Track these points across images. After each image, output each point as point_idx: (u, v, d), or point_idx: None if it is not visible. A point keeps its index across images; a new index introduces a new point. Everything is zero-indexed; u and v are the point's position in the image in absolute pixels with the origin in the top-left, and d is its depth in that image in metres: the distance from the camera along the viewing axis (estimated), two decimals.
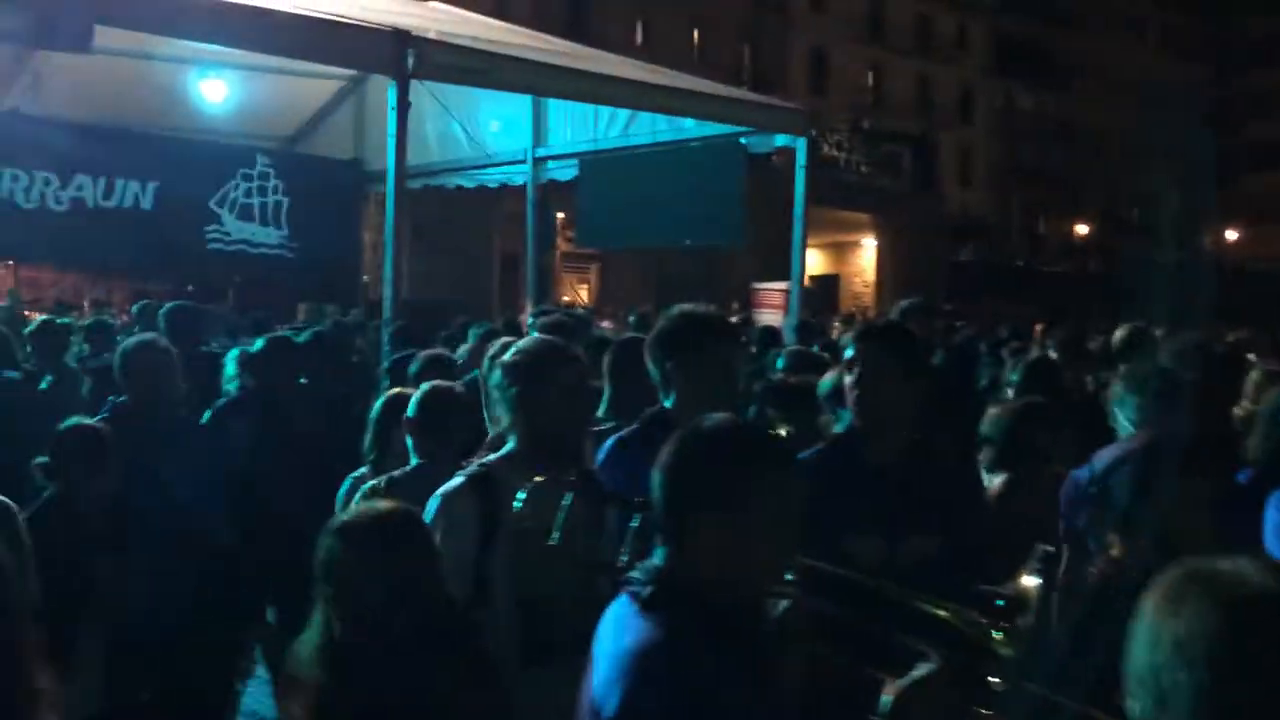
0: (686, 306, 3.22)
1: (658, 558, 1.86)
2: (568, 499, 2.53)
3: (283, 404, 4.64)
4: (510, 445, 2.84)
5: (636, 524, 2.34)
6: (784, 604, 2.01)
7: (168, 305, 5.97)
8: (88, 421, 3.65)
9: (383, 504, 2.46)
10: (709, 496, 1.80)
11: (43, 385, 5.44)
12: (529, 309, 10.79)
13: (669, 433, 3.01)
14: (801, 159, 8.98)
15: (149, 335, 4.52)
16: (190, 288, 11.32)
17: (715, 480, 1.80)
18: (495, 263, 21.22)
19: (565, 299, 19.46)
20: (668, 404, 3.10)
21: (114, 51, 8.81)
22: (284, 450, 4.37)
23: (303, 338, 5.52)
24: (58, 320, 6.33)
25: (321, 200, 11.90)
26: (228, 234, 11.51)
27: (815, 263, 26.48)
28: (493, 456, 2.85)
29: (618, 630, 1.80)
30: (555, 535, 2.48)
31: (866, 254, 31.11)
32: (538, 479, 2.76)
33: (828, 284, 28.56)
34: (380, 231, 12.69)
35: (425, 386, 3.50)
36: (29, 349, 5.91)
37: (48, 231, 10.13)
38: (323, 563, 2.27)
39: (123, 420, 3.88)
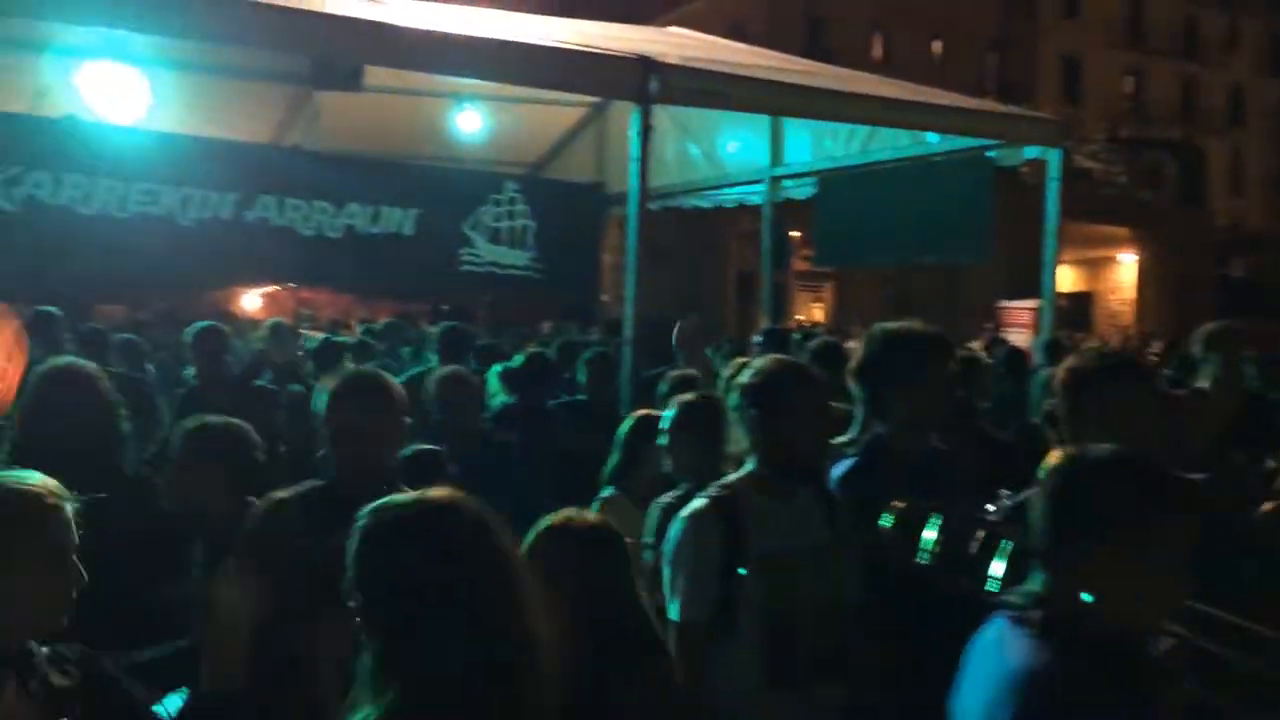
0: (891, 326, 3.12)
1: (1037, 584, 1.88)
2: (935, 521, 2.53)
3: (545, 418, 4.85)
4: (750, 466, 2.83)
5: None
6: (1166, 641, 2.00)
7: (442, 325, 6.28)
8: (426, 447, 3.91)
9: (581, 513, 2.53)
10: (1106, 529, 1.80)
11: None
12: (763, 328, 10.79)
13: (890, 460, 2.94)
14: (1055, 171, 8.54)
15: (456, 367, 4.80)
16: (445, 307, 12.00)
17: (1114, 513, 1.80)
18: (730, 282, 21.33)
19: (800, 318, 19.30)
20: (881, 429, 3.03)
21: (381, 89, 9.53)
22: (547, 463, 4.54)
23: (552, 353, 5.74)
24: (333, 338, 6.84)
25: (565, 223, 12.35)
26: (479, 256, 12.12)
27: (1067, 279, 25.09)
28: (734, 477, 2.85)
29: (1001, 652, 1.82)
30: (924, 555, 2.50)
31: (1124, 270, 29.18)
32: (779, 500, 2.75)
33: (1081, 301, 26.99)
34: (619, 252, 13.08)
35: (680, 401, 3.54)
36: (310, 365, 6.41)
37: (323, 257, 10.98)
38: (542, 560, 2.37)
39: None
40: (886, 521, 2.61)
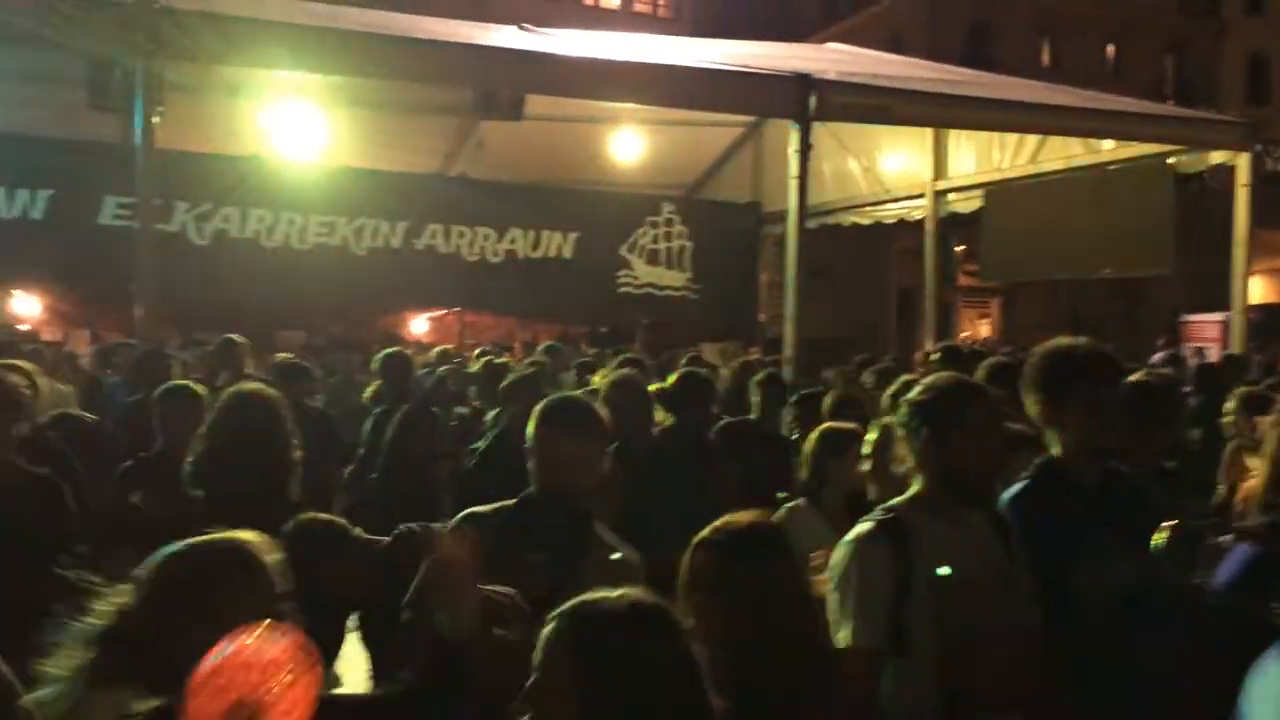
0: (1059, 344, 2.96)
1: None
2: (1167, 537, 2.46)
3: (702, 436, 4.85)
4: (918, 486, 2.74)
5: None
6: None
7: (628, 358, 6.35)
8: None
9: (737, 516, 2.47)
10: None
11: (488, 418, 6.04)
12: (927, 345, 10.50)
13: (1064, 483, 2.79)
14: (1244, 176, 8.05)
15: (627, 371, 4.85)
16: (603, 329, 12.16)
17: None
18: (890, 299, 20.89)
19: (964, 334, 18.71)
20: (1056, 452, 2.88)
21: (541, 117, 9.76)
22: (708, 482, 4.52)
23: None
24: (496, 360, 7.01)
25: (722, 243, 12.37)
26: (636, 278, 12.25)
27: (1257, 291, 23.49)
28: (900, 499, 2.76)
29: None
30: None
31: None
32: (949, 522, 2.65)
33: (1273, 314, 25.20)
34: (775, 271, 13.00)
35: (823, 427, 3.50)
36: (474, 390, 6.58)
37: (487, 281, 11.32)
38: (700, 571, 2.33)
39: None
40: (1160, 540, 2.56)
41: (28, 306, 10.30)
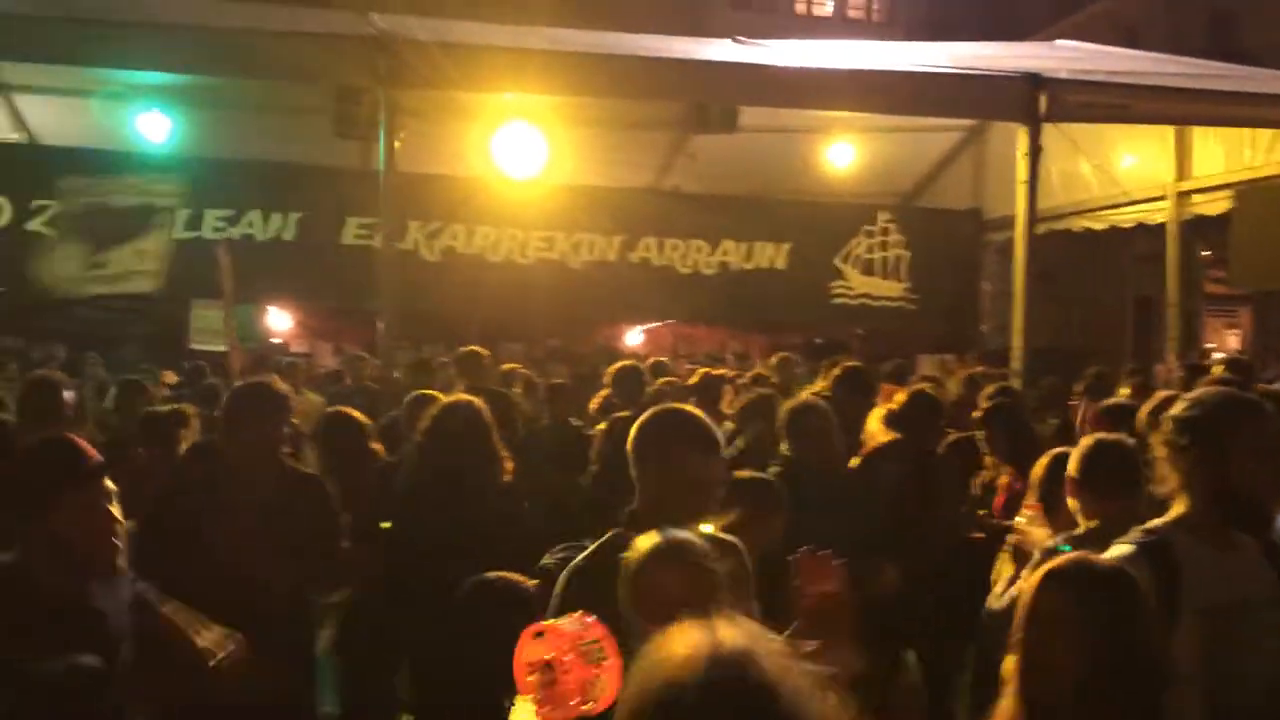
0: None
1: None
2: None
3: (927, 456, 4.70)
4: (1182, 507, 2.54)
5: None
6: None
7: (847, 366, 6.19)
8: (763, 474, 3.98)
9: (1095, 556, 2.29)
10: None
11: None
12: (1170, 358, 9.81)
13: None
14: None
15: (812, 400, 4.79)
16: (818, 340, 12.01)
17: None
18: (1127, 308, 19.66)
19: (1210, 346, 17.38)
20: None
21: (754, 128, 9.76)
22: (927, 501, 4.39)
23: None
24: (713, 373, 7.03)
25: (941, 251, 11.98)
26: (851, 289, 12.03)
27: None
28: (1161, 521, 2.57)
29: None
30: None
31: None
32: (1217, 548, 2.45)
33: None
34: (999, 280, 12.47)
35: (1089, 441, 3.26)
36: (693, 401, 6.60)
37: (700, 293, 11.41)
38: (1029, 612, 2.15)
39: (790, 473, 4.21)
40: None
41: (280, 321, 11.12)
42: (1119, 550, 2.48)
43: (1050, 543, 3.17)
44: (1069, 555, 2.24)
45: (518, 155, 9.86)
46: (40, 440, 2.80)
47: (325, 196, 10.22)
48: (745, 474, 3.86)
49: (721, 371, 7.66)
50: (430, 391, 4.75)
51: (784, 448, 4.49)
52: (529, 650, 1.84)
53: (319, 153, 9.58)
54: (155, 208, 8.25)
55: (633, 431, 2.65)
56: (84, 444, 2.70)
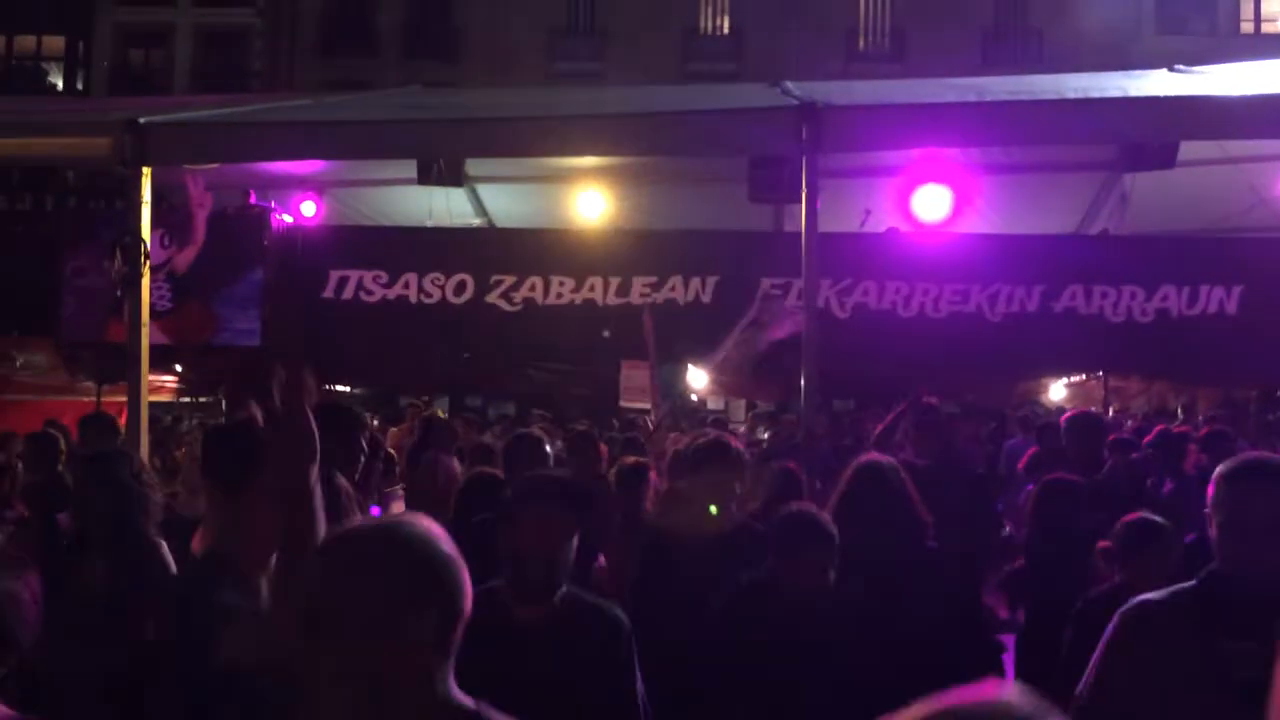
0: None
1: None
2: None
3: None
4: None
5: None
6: None
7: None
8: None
9: None
10: None
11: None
12: None
13: None
14: None
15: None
16: (1279, 393, 10.62)
17: None
18: None
19: None
20: None
21: (1195, 161, 8.91)
22: None
23: None
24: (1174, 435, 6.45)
25: None
26: None
27: None
28: None
29: None
30: None
31: None
32: None
33: None
34: None
35: None
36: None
37: (1133, 343, 10.51)
38: None
39: None
40: None
41: (698, 380, 11.69)
42: None
43: None
44: None
45: (931, 208, 9.74)
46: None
47: (741, 260, 10.69)
48: None
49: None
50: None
51: None
52: None
53: (732, 219, 10.07)
54: None
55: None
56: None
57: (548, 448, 4.16)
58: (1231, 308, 10.46)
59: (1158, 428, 6.44)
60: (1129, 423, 9.71)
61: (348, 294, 11.15)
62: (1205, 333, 10.40)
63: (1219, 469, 2.53)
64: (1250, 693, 1.58)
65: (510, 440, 4.50)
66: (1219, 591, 2.41)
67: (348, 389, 12.98)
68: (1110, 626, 2.56)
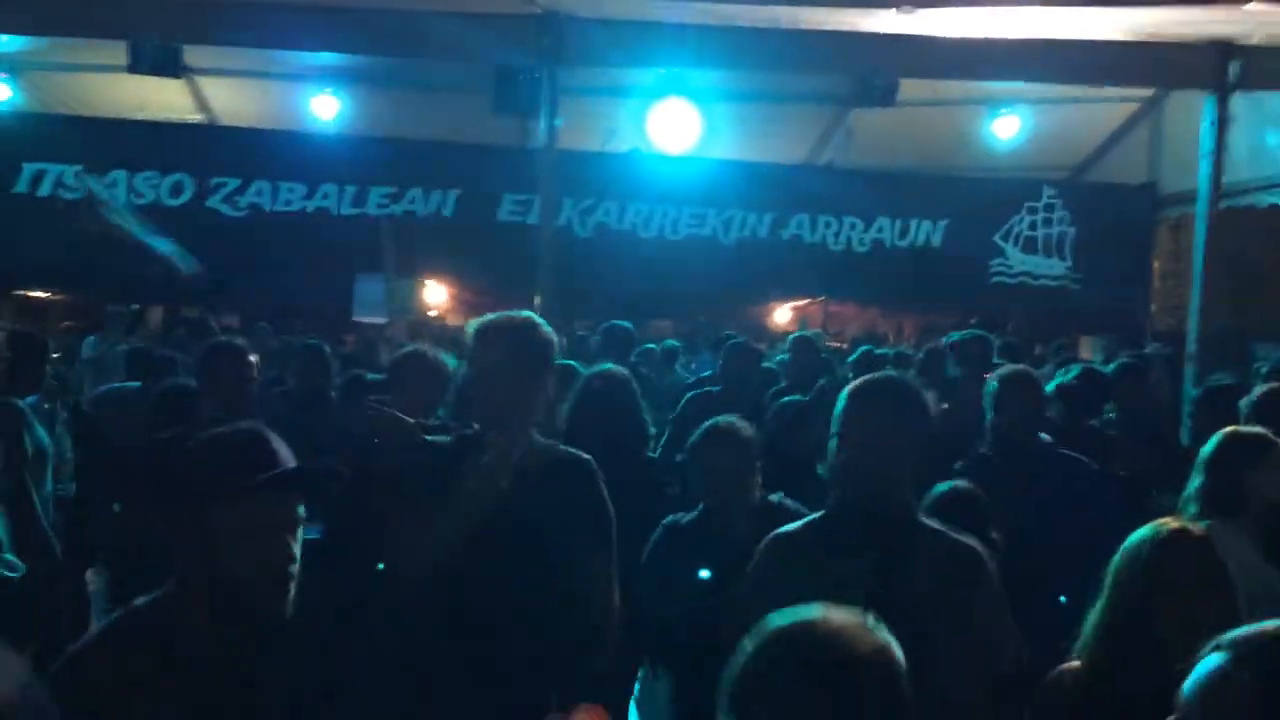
0: None
1: None
2: None
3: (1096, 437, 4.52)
4: None
5: None
6: None
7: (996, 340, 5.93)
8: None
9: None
10: None
11: None
12: None
13: None
14: None
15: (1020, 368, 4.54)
16: (973, 320, 11.62)
17: None
18: None
19: None
20: None
21: (915, 102, 9.49)
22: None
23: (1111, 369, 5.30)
24: (876, 350, 6.89)
25: (1109, 229, 11.42)
26: (1010, 266, 11.61)
27: None
28: None
29: None
30: None
31: None
32: None
33: None
34: (1170, 259, 11.79)
35: None
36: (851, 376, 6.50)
37: (852, 271, 11.21)
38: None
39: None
40: None
41: (437, 295, 11.44)
42: None
43: None
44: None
45: (671, 131, 9.85)
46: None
47: (483, 174, 10.47)
48: None
49: (885, 350, 7.49)
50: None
51: None
52: None
53: (477, 131, 9.81)
54: None
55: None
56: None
57: (251, 358, 3.83)
58: (937, 240, 11.34)
59: (861, 349, 6.88)
60: (836, 345, 10.37)
61: (44, 190, 10.11)
62: (913, 263, 11.24)
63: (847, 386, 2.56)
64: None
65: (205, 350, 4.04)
66: (835, 514, 2.50)
67: (43, 294, 11.78)
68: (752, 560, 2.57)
